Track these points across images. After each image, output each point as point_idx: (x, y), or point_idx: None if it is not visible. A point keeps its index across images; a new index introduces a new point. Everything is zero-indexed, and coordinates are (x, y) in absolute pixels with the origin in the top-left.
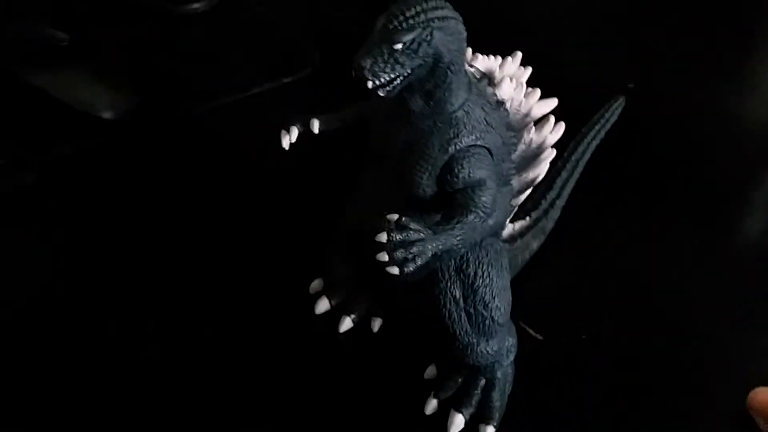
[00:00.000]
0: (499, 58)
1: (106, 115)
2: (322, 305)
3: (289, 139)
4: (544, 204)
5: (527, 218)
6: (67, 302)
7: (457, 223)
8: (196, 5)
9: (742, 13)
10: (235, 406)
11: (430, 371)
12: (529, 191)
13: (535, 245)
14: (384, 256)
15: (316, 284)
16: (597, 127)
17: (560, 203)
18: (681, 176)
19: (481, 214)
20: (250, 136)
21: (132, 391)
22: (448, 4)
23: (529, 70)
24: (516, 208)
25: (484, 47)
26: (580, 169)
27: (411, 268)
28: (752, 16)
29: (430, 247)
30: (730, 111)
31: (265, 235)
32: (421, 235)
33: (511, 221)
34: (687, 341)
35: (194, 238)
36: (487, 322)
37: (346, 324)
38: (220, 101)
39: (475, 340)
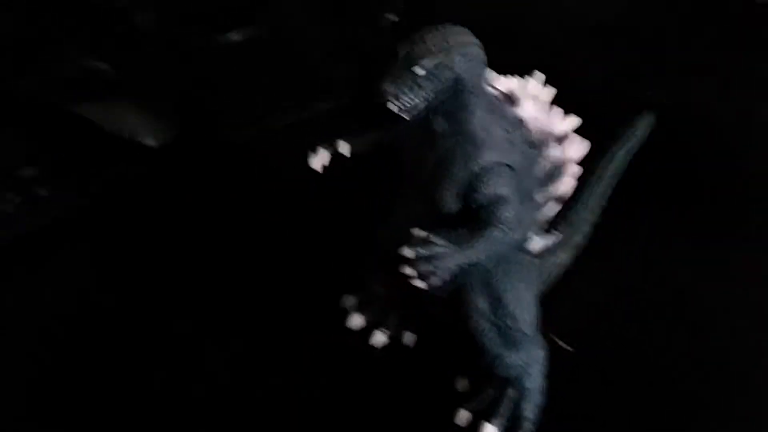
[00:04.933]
0: (520, 79)
1: (150, 142)
2: (356, 321)
3: (317, 159)
4: (575, 219)
5: (558, 233)
6: (114, 326)
7: (481, 237)
8: (235, 35)
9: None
10: (269, 421)
11: (463, 384)
12: (555, 206)
13: (566, 260)
14: (409, 270)
15: (349, 300)
16: (627, 142)
17: (590, 218)
18: (716, 189)
19: (504, 228)
20: (289, 161)
21: (169, 410)
22: (468, 30)
23: (551, 89)
24: (544, 224)
25: (509, 68)
26: (610, 183)
27: (435, 282)
28: None
29: (454, 261)
30: (762, 118)
31: (303, 255)
32: (445, 249)
33: (542, 236)
34: (723, 356)
35: (236, 259)
36: (514, 334)
37: (379, 338)
38: (260, 128)
39: (503, 352)
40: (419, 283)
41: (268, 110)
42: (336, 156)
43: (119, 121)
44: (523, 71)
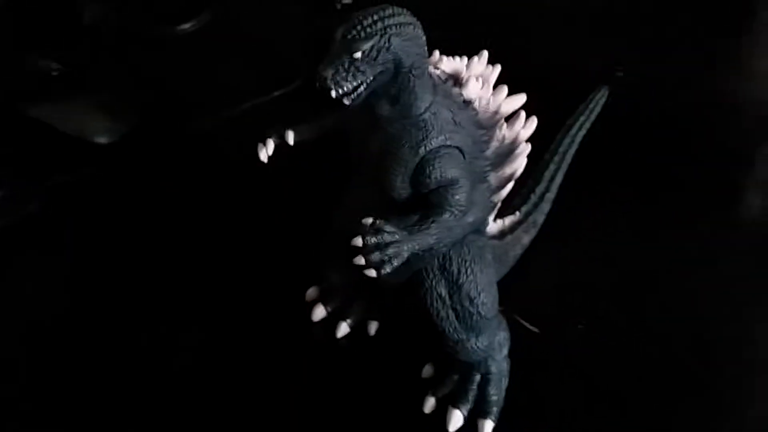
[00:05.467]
0: (465, 59)
1: (102, 139)
2: (319, 312)
3: (266, 151)
4: (534, 198)
5: (517, 213)
6: (78, 324)
7: (432, 222)
8: (185, 26)
9: None
10: (237, 413)
11: (427, 370)
12: (509, 187)
13: (526, 240)
14: (360, 260)
15: (311, 292)
16: (582, 119)
17: (550, 196)
18: (673, 163)
19: (456, 212)
20: (244, 149)
21: (135, 401)
22: (405, 10)
23: (498, 68)
24: (499, 204)
25: (464, 47)
26: (568, 161)
27: (388, 270)
28: None
29: (405, 247)
30: (719, 93)
31: (262, 246)
32: (396, 236)
33: (501, 217)
34: (685, 331)
35: (195, 251)
36: (474, 317)
37: (343, 329)
38: (214, 118)
39: (464, 337)
40: (371, 273)
41: (223, 99)
42: (282, 145)
43: (71, 120)
44: (473, 51)
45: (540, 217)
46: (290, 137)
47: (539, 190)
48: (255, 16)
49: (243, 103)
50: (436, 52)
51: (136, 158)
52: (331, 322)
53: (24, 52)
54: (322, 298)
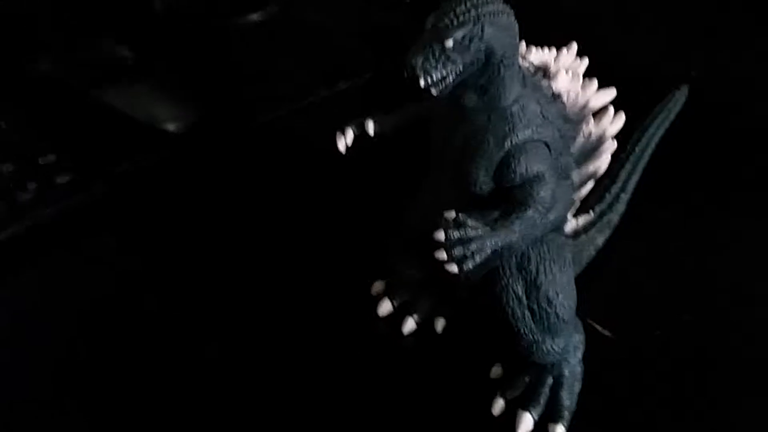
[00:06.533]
0: (554, 51)
1: (171, 128)
2: (385, 307)
3: (344, 141)
4: (609, 198)
5: (591, 213)
6: (140, 310)
7: (516, 218)
8: (253, 17)
9: None
10: (301, 407)
11: (496, 371)
12: (590, 185)
13: (600, 240)
14: (442, 254)
15: (378, 286)
16: (660, 118)
17: (625, 197)
18: (751, 166)
19: (540, 209)
20: (311, 142)
21: (194, 388)
22: None
23: (586, 61)
24: (578, 203)
25: (541, 39)
26: (644, 161)
27: (469, 266)
28: None
29: (488, 243)
30: None
31: (329, 238)
32: (479, 231)
33: (575, 216)
34: (761, 337)
35: (261, 242)
36: (551, 319)
37: (410, 325)
38: (281, 109)
39: (539, 338)
40: (452, 268)
41: (290, 91)
42: (361, 136)
43: (141, 107)
44: (558, 43)
45: (615, 218)
46: (370, 127)
47: (614, 189)
48: (323, 8)
49: (310, 95)
50: (524, 43)
51: (204, 147)
52: (397, 317)
53: (98, 40)
54: (388, 292)
